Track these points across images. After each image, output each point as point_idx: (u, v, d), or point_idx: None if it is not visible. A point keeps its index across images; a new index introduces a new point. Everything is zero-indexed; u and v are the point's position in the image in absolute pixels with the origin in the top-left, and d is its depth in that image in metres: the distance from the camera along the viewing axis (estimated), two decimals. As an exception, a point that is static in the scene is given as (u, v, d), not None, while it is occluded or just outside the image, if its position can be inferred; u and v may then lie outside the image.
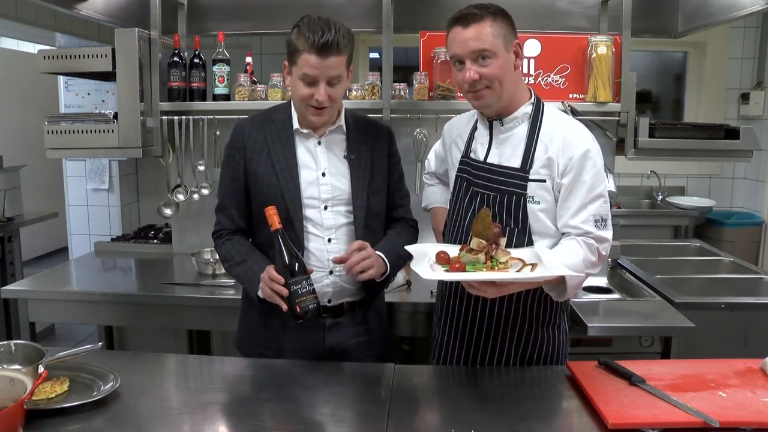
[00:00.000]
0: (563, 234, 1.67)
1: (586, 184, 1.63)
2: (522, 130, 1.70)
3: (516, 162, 1.68)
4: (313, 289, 1.61)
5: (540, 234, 1.67)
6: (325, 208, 1.79)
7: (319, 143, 1.81)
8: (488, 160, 1.73)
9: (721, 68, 4.87)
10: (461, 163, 1.80)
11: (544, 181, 1.65)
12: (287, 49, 1.71)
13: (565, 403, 1.53)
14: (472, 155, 1.78)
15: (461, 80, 1.65)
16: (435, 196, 2.07)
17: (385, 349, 1.96)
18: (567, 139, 1.65)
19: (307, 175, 1.79)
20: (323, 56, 1.63)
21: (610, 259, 2.61)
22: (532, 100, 1.72)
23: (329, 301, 1.82)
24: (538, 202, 1.66)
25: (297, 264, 1.62)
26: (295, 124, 1.80)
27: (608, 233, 1.65)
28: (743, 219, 4.65)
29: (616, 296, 2.43)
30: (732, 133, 2.76)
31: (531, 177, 1.65)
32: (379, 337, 1.92)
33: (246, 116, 1.95)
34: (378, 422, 1.41)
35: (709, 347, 2.13)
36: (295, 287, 1.59)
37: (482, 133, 1.77)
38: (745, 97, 4.79)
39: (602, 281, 2.53)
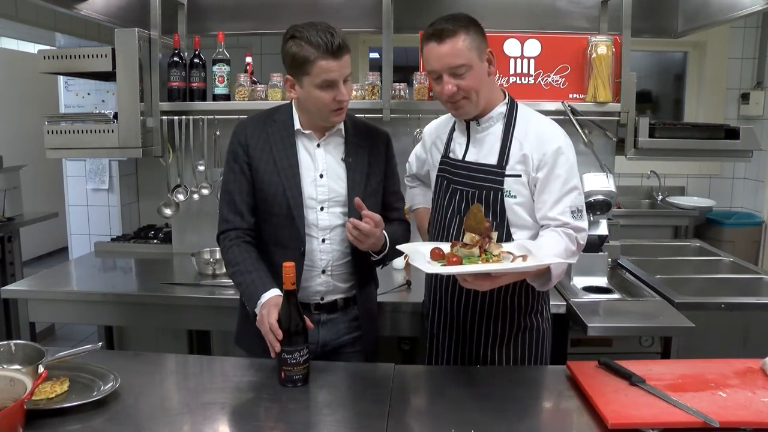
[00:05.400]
0: (542, 226, 1.74)
1: (560, 177, 1.70)
2: (497, 129, 1.78)
3: (492, 159, 1.76)
4: (305, 360, 1.59)
5: (517, 226, 1.75)
6: (322, 209, 1.82)
7: (319, 145, 1.84)
8: (466, 159, 1.81)
9: (721, 68, 4.87)
10: (441, 162, 1.89)
11: (520, 176, 1.73)
12: (292, 62, 1.70)
13: (565, 403, 1.53)
14: (451, 155, 1.86)
15: (440, 93, 1.73)
16: (418, 198, 2.17)
17: (375, 346, 1.99)
18: (540, 136, 1.73)
19: (305, 176, 1.82)
20: (339, 58, 1.67)
21: (610, 259, 2.61)
22: (506, 100, 1.81)
23: (322, 298, 1.87)
24: (515, 197, 1.74)
25: (296, 333, 1.57)
26: (297, 125, 1.83)
27: (584, 223, 1.74)
28: (743, 219, 4.65)
29: (616, 296, 2.43)
30: (732, 133, 2.76)
31: (507, 173, 1.73)
32: (369, 335, 1.96)
33: (246, 116, 1.95)
34: (378, 422, 1.41)
35: (709, 347, 2.13)
36: (286, 355, 1.56)
37: (460, 134, 1.86)
38: (745, 97, 4.79)
39: (602, 281, 2.53)
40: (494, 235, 1.57)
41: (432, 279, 1.95)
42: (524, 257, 1.52)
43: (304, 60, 1.67)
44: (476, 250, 1.52)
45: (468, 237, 1.55)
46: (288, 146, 1.82)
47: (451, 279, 1.81)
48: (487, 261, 1.52)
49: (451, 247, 1.57)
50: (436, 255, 1.58)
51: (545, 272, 1.61)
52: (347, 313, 1.92)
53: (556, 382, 1.63)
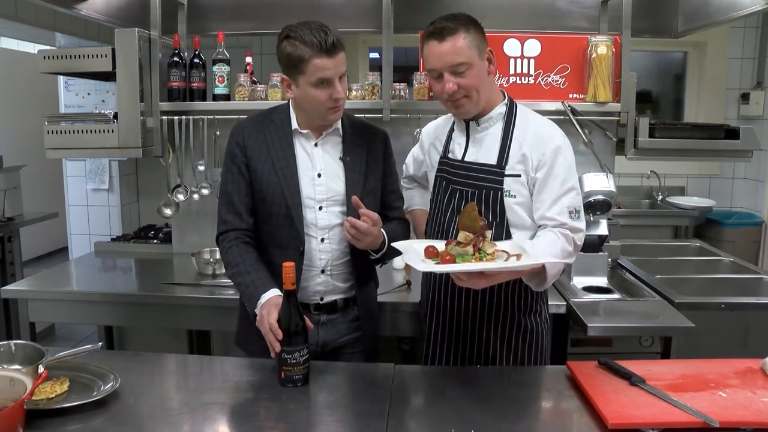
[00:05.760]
0: (539, 226, 1.74)
1: (559, 177, 1.71)
2: (497, 129, 1.79)
3: (492, 159, 1.77)
4: (305, 360, 1.58)
5: (516, 226, 1.75)
6: (320, 208, 1.83)
7: (316, 145, 1.84)
8: (466, 159, 1.82)
9: (721, 68, 4.87)
10: (440, 163, 1.89)
11: (519, 176, 1.74)
12: (287, 62, 1.71)
13: (565, 403, 1.53)
14: (450, 155, 1.87)
15: (440, 91, 1.73)
16: (415, 199, 2.16)
17: (375, 347, 1.99)
18: (539, 136, 1.74)
19: (303, 175, 1.82)
20: (333, 55, 1.68)
21: (610, 259, 2.61)
22: (506, 101, 1.81)
23: (321, 298, 1.87)
24: (514, 196, 1.74)
25: (296, 333, 1.57)
26: (294, 125, 1.83)
27: (582, 224, 1.74)
28: (743, 219, 4.65)
29: (616, 296, 2.43)
30: (732, 133, 2.76)
31: (507, 172, 1.74)
32: (369, 335, 1.96)
33: (244, 117, 1.96)
34: (378, 422, 1.41)
35: (709, 347, 2.13)
36: (286, 355, 1.56)
37: (459, 134, 1.86)
38: (745, 97, 4.79)
39: (602, 281, 2.53)
40: (489, 233, 1.57)
41: (428, 278, 1.95)
42: (518, 256, 1.52)
43: (299, 59, 1.67)
44: (470, 249, 1.53)
45: (462, 235, 1.55)
46: (286, 146, 1.82)
47: (448, 278, 1.81)
48: (481, 260, 1.52)
49: (446, 245, 1.58)
50: (430, 253, 1.59)
51: (541, 272, 1.61)
52: (347, 313, 1.91)
53: (556, 382, 1.63)
